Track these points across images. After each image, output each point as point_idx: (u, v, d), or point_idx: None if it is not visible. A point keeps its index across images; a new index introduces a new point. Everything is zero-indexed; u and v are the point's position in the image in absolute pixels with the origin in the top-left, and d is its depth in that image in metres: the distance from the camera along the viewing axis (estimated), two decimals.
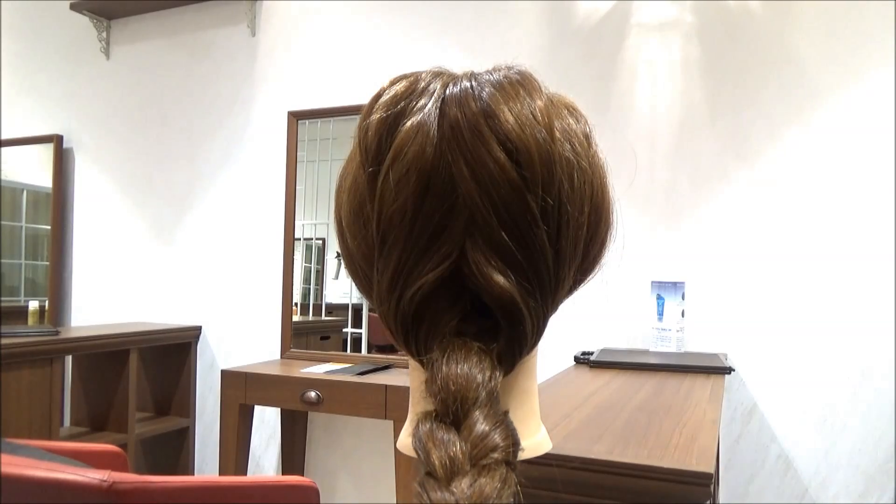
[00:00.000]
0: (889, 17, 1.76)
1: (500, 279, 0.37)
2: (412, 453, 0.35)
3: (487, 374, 0.36)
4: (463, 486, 0.30)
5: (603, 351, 1.79)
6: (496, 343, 0.39)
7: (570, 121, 0.43)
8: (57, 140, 2.94)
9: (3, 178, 3.04)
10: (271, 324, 2.51)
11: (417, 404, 0.42)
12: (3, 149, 3.06)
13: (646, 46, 2.02)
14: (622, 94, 2.04)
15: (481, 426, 0.33)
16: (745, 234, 1.89)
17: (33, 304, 2.88)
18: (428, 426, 0.33)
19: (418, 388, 0.37)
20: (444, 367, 0.36)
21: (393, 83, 0.41)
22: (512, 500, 0.30)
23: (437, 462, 0.31)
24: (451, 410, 0.34)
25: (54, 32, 3.03)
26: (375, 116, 0.40)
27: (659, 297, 1.85)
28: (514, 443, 0.33)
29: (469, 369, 0.36)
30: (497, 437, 0.32)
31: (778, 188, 1.87)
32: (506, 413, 0.35)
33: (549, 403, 1.13)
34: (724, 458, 1.89)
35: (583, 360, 1.66)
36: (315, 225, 2.50)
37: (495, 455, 0.32)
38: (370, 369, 2.14)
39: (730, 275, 1.90)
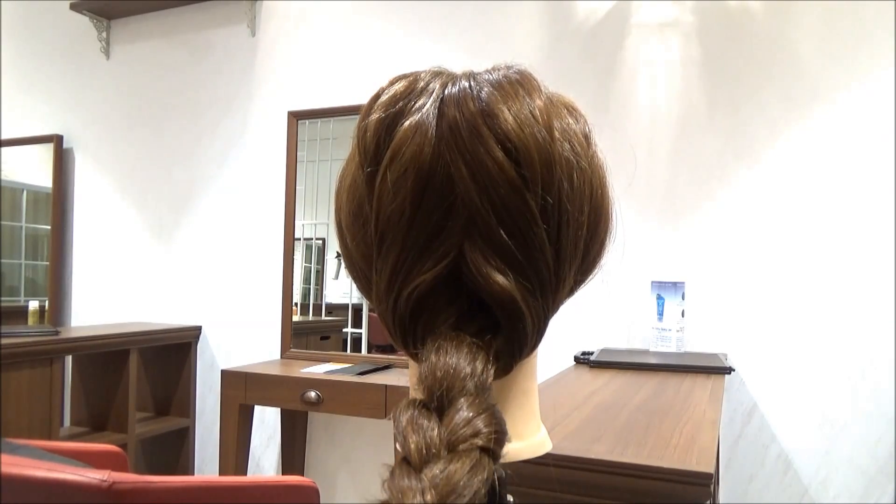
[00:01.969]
0: (889, 17, 1.76)
1: (499, 278, 0.37)
2: None
3: (479, 367, 0.35)
4: (435, 471, 0.29)
5: (603, 351, 1.79)
6: (494, 344, 0.39)
7: (570, 120, 0.43)
8: (57, 140, 2.94)
9: (3, 178, 3.04)
10: (271, 324, 2.51)
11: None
12: (3, 149, 3.06)
13: (646, 46, 2.02)
14: (622, 94, 2.04)
15: (465, 412, 0.32)
16: (745, 234, 1.89)
17: (33, 304, 2.88)
18: (410, 413, 0.33)
19: (415, 376, 0.37)
20: (433, 357, 0.35)
21: (392, 83, 0.41)
22: (482, 487, 0.30)
23: (412, 447, 0.31)
24: (435, 396, 0.33)
25: (54, 32, 3.03)
26: (374, 116, 0.40)
27: (659, 297, 1.85)
28: (498, 430, 0.32)
29: (458, 360, 0.35)
30: (480, 423, 0.32)
31: (778, 188, 1.86)
32: (494, 404, 0.34)
33: (549, 403, 1.13)
34: (724, 458, 1.89)
35: (583, 360, 1.66)
36: (315, 225, 2.50)
37: (476, 441, 0.31)
38: (370, 369, 2.13)
39: (730, 275, 1.90)
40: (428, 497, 0.28)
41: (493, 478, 0.31)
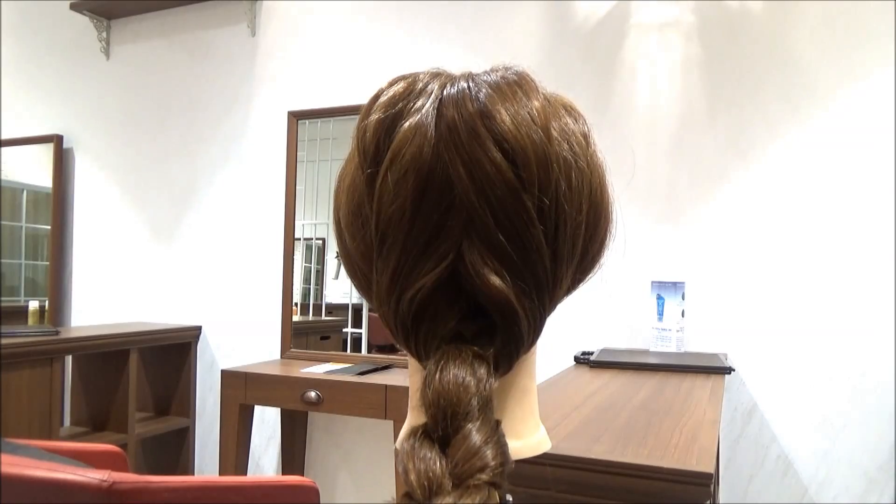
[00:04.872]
0: (889, 17, 1.76)
1: (495, 280, 0.37)
2: None
3: (483, 380, 0.35)
4: None
5: (603, 351, 1.79)
6: (493, 345, 0.39)
7: (568, 120, 0.43)
8: (57, 140, 2.93)
9: (3, 178, 3.04)
10: (271, 324, 2.51)
11: (415, 408, 0.42)
12: (3, 149, 3.06)
13: (646, 46, 2.02)
14: (622, 94, 2.04)
15: (472, 442, 0.32)
16: (745, 234, 1.89)
17: (33, 304, 2.88)
18: (411, 443, 0.33)
19: (418, 390, 0.37)
20: (436, 378, 0.35)
21: (391, 84, 0.41)
22: None
23: (415, 482, 0.31)
24: (440, 427, 0.33)
25: (54, 32, 3.03)
26: (374, 117, 0.40)
27: (659, 297, 1.85)
28: (503, 461, 0.32)
29: (462, 378, 0.35)
30: (488, 455, 0.32)
31: (778, 188, 1.86)
32: (498, 423, 0.34)
33: (549, 403, 1.13)
34: (724, 458, 1.89)
35: (583, 360, 1.66)
36: (315, 225, 2.50)
37: (482, 476, 0.31)
38: (370, 369, 2.13)
39: (730, 275, 1.90)
40: None
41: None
